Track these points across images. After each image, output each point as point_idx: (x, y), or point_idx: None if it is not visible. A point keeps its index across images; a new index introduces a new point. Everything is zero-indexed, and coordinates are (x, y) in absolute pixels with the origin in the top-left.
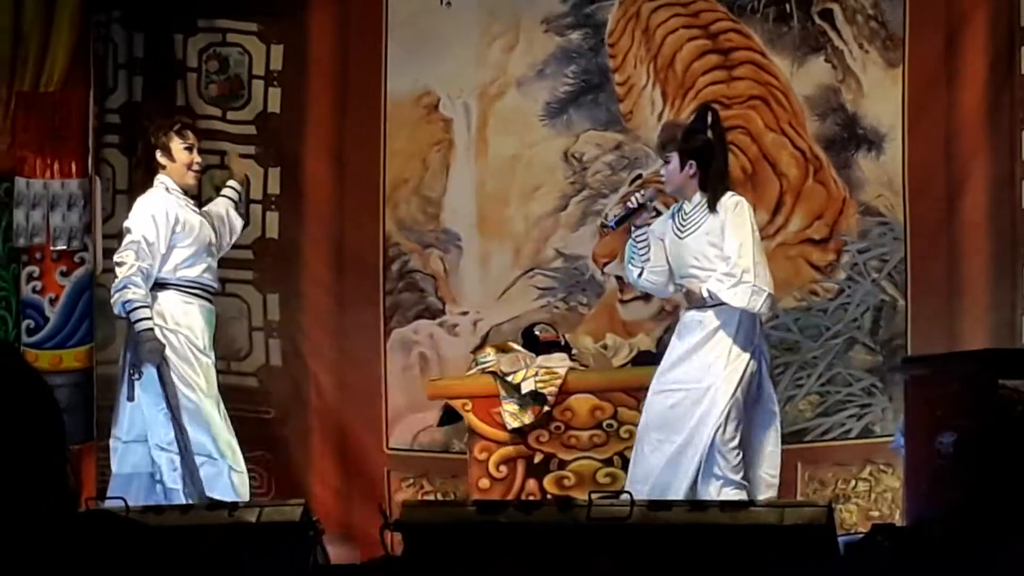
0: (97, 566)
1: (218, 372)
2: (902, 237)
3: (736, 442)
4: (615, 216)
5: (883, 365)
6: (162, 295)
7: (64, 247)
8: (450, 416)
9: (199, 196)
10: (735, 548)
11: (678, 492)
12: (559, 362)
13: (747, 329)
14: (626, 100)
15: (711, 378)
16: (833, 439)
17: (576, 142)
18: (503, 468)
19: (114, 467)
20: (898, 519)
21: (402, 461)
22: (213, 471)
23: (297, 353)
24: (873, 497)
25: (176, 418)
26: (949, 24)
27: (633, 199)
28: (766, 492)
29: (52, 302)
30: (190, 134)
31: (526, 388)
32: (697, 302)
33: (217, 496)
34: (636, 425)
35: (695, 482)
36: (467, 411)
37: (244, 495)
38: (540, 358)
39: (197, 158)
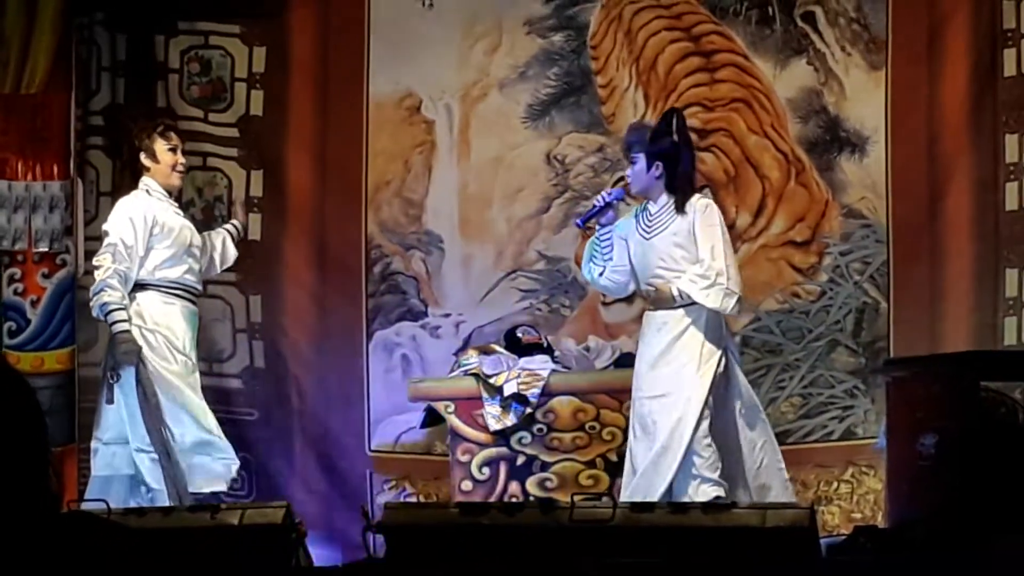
0: (78, 568)
1: (201, 374)
2: (884, 239)
3: (709, 439)
4: (583, 215)
5: (865, 367)
6: (141, 296)
7: (46, 249)
8: (432, 418)
9: (180, 198)
10: (717, 550)
11: (657, 495)
12: (541, 364)
13: (715, 329)
14: (608, 102)
15: (685, 383)
16: (815, 441)
17: (558, 144)
18: (486, 470)
19: (93, 469)
20: (880, 521)
21: (384, 463)
22: (206, 460)
23: (279, 355)
24: (855, 499)
25: (157, 418)
26: (931, 27)
27: (600, 197)
28: (782, 485)
29: (34, 304)
30: (173, 135)
31: (508, 390)
32: (666, 303)
33: (214, 483)
34: (619, 427)
35: (671, 484)
36: (449, 413)
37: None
38: (522, 360)
39: (181, 159)
